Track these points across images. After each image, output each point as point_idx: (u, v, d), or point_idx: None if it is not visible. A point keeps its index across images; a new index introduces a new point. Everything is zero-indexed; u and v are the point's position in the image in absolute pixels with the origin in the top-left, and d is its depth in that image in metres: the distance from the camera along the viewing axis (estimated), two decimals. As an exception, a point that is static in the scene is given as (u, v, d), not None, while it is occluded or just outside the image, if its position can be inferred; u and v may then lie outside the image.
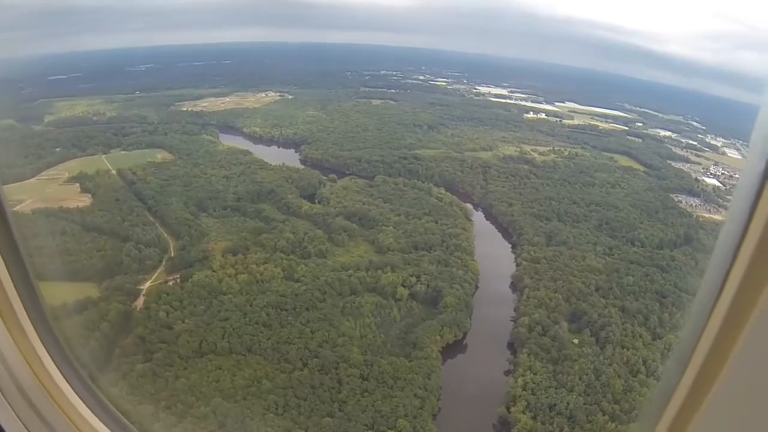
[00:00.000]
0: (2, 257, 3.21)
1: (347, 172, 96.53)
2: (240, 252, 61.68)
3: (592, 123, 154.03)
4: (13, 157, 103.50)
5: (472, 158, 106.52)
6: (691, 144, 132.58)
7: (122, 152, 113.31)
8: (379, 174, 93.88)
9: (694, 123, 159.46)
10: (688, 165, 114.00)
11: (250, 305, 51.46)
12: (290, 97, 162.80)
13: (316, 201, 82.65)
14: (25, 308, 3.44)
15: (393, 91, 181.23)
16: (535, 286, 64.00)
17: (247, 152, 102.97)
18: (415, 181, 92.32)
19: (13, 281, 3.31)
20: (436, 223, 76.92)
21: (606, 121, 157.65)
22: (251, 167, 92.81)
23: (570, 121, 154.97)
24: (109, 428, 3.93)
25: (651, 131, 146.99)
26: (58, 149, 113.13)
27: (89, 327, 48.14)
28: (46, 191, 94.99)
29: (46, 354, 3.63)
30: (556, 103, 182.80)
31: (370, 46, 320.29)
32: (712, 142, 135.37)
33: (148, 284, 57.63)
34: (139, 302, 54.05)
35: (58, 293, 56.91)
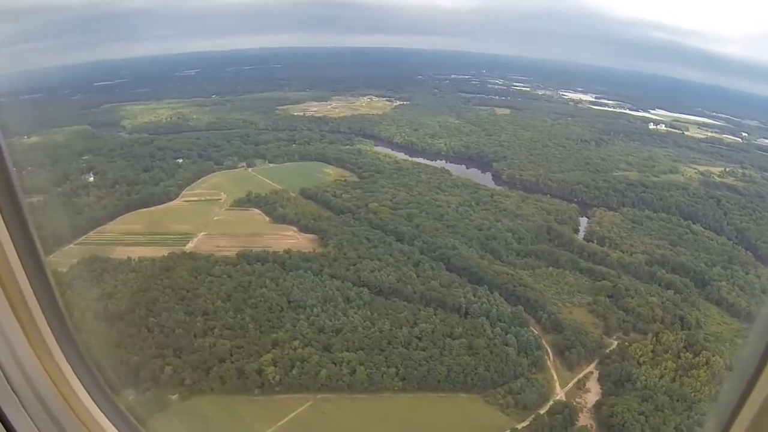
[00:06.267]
0: (21, 262, 3.03)
1: (575, 200, 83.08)
2: (621, 328, 47.76)
3: (710, 135, 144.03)
4: (120, 169, 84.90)
5: (672, 183, 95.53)
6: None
7: (271, 165, 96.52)
8: (619, 204, 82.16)
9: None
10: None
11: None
12: (402, 103, 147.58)
13: (593, 240, 68.87)
14: (43, 312, 3.32)
15: (496, 98, 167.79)
16: None
17: (444, 170, 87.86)
18: (662, 214, 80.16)
19: (31, 285, 3.17)
20: (747, 273, 64.57)
21: (715, 132, 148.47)
22: (478, 192, 78.21)
23: (689, 133, 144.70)
24: None
25: (761, 142, 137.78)
26: (180, 160, 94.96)
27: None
28: (214, 219, 75.33)
29: (63, 357, 3.49)
30: (650, 111, 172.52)
31: (419, 50, 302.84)
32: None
33: (559, 389, 42.42)
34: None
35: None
